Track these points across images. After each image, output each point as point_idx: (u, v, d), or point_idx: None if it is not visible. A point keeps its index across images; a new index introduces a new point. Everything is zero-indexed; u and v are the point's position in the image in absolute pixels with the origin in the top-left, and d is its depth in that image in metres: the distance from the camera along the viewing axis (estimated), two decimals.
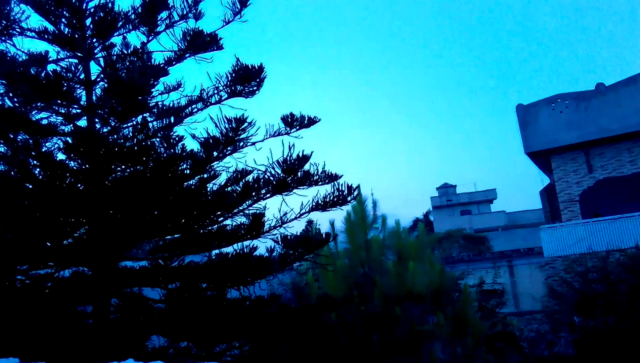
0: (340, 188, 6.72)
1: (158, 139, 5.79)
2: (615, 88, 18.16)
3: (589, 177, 18.53)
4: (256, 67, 6.38)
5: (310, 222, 7.63)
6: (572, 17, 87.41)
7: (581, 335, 11.65)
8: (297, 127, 6.67)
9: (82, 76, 6.01)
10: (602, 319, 11.18)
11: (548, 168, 20.34)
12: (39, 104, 5.54)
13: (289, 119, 6.59)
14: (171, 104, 6.16)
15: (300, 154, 6.46)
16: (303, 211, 6.65)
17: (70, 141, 5.13)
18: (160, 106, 6.10)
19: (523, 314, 17.00)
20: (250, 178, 6.49)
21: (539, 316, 14.95)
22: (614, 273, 12.10)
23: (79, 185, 5.47)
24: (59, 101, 5.58)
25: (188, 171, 5.99)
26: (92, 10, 6.15)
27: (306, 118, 6.66)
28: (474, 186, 53.23)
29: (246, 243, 6.39)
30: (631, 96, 17.74)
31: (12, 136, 5.33)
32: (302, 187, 6.67)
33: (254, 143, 6.49)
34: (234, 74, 6.35)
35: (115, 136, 5.64)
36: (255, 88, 6.57)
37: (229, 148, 6.32)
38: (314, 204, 6.64)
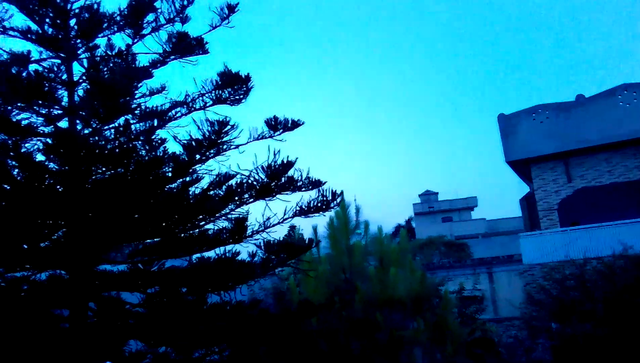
0: (324, 194, 6.71)
1: (140, 142, 5.74)
2: (595, 100, 18.50)
3: (567, 186, 18.82)
4: (243, 76, 6.37)
5: (292, 227, 7.63)
6: (554, 28, 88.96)
7: (559, 342, 11.78)
8: (281, 130, 6.66)
9: (64, 77, 5.93)
10: (579, 326, 11.32)
11: (528, 177, 20.61)
12: (19, 105, 5.44)
13: (273, 122, 6.58)
14: (154, 108, 6.08)
15: (285, 160, 6.45)
16: (286, 216, 6.63)
17: (50, 142, 5.04)
18: (143, 108, 6.03)
19: (502, 320, 17.16)
20: (233, 182, 6.45)
21: (517, 323, 15.10)
22: (590, 280, 12.27)
23: (58, 187, 5.37)
24: (40, 102, 5.49)
25: (170, 174, 5.93)
26: (77, 10, 6.07)
27: (290, 121, 6.67)
28: (456, 194, 53.69)
29: (228, 247, 6.34)
30: (610, 108, 18.10)
31: None
32: (285, 192, 6.65)
33: (237, 146, 6.47)
34: (220, 81, 6.32)
35: (96, 138, 5.57)
36: (241, 97, 6.55)
37: (211, 151, 6.28)
38: (297, 209, 6.63)
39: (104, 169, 5.50)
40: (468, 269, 20.86)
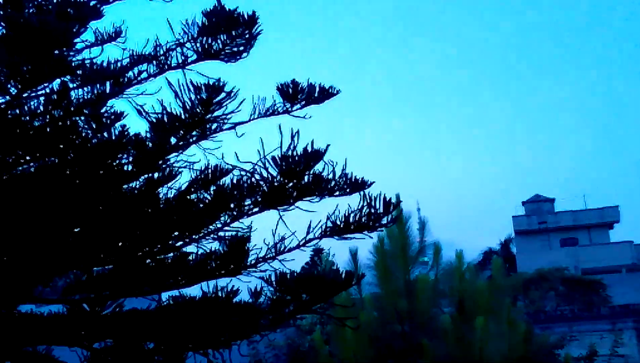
0: (372, 203, 6.59)
1: (84, 117, 5.74)
2: None
3: None
4: (245, 16, 6.33)
5: (318, 251, 7.53)
6: None
7: None
8: (303, 102, 6.63)
9: None
10: None
11: None
12: None
13: (291, 90, 6.53)
14: (105, 64, 6.11)
15: (310, 147, 6.37)
16: (311, 236, 6.56)
17: None
18: (88, 66, 6.07)
19: None
20: (227, 180, 6.43)
21: None
22: None
23: None
24: None
25: (130, 167, 5.95)
26: None
27: (317, 89, 6.62)
28: (583, 201, 52.81)
29: (219, 282, 6.31)
30: None
31: None
32: (310, 198, 6.58)
33: (234, 126, 6.45)
34: (208, 23, 6.30)
35: (17, 111, 5.58)
36: (242, 48, 6.54)
37: (194, 132, 6.26)
38: (328, 226, 6.53)
39: (28, 157, 5.56)
40: (603, 322, 20.60)
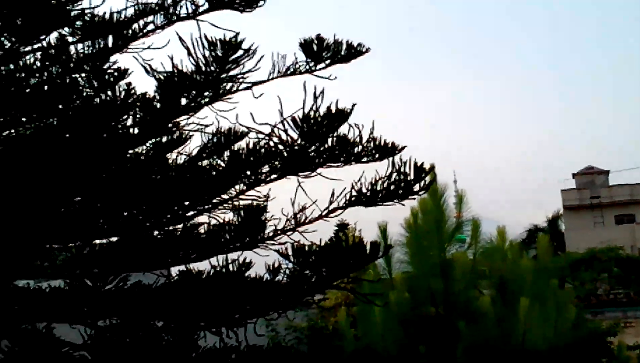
0: (402, 169, 6.55)
1: (85, 75, 5.76)
2: None
3: None
4: None
5: (343, 226, 7.46)
6: None
7: None
8: (328, 60, 6.54)
9: None
10: None
11: None
12: None
13: (315, 46, 6.45)
14: (108, 16, 6.02)
15: (334, 107, 6.32)
16: (335, 205, 6.52)
17: None
18: (89, 18, 5.98)
19: None
20: (242, 145, 6.39)
21: None
22: None
23: None
24: None
25: (136, 130, 5.98)
26: None
27: (344, 46, 6.52)
28: None
29: (233, 255, 6.30)
30: None
31: None
32: (333, 163, 6.55)
33: (250, 86, 6.40)
34: None
35: (12, 66, 5.61)
36: None
37: (207, 93, 6.26)
38: (354, 194, 6.48)
39: (23, 118, 5.60)
40: None
